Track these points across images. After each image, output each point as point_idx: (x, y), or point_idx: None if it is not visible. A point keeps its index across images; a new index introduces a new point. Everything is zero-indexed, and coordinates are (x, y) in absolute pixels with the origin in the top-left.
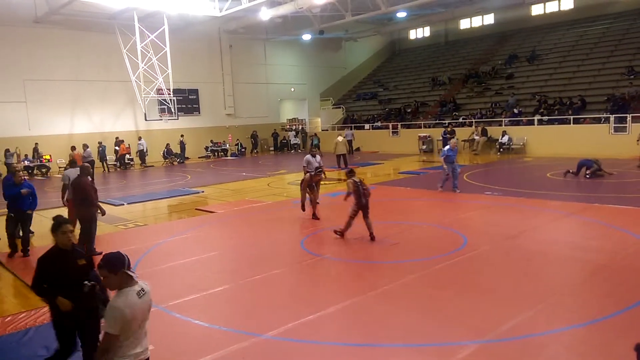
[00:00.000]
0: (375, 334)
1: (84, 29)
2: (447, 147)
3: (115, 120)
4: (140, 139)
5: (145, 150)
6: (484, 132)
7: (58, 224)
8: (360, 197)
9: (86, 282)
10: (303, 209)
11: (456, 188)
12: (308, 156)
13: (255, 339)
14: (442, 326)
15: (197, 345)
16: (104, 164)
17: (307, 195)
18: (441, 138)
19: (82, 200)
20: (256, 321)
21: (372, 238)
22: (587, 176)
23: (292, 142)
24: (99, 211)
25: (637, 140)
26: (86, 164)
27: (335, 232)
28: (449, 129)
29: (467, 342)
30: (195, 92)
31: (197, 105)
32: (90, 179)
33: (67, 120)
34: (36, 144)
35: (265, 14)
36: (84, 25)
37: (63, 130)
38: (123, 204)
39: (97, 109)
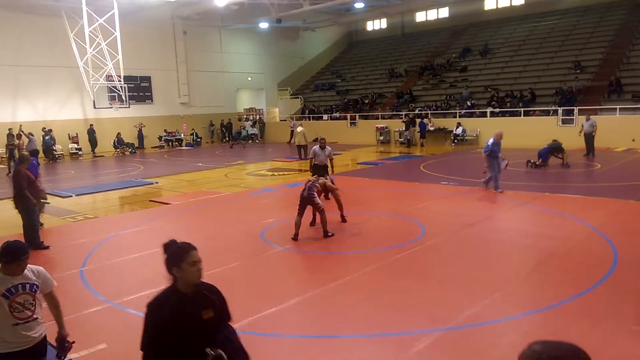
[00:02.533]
0: (336, 325)
1: (26, 12)
2: (491, 139)
3: (60, 108)
4: (46, 130)
5: (52, 142)
6: (412, 123)
7: (182, 250)
8: (302, 192)
9: (209, 350)
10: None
11: (498, 187)
12: (315, 147)
13: None
14: (402, 316)
15: None
16: (51, 153)
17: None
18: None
19: (20, 189)
20: None
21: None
22: (538, 164)
23: (249, 133)
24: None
25: (579, 132)
26: (26, 153)
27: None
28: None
29: (428, 331)
30: (147, 79)
31: (150, 93)
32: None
33: (8, 108)
34: (10, 129)
35: (221, 1)
36: (27, 7)
37: (5, 118)
38: (71, 196)
39: (41, 96)
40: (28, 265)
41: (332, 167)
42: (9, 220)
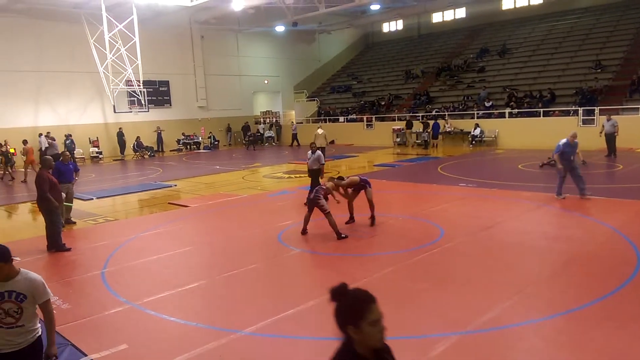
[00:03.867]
0: None
1: (48, 19)
2: (564, 140)
3: (82, 112)
4: (43, 135)
5: (72, 146)
6: (409, 126)
7: (359, 304)
8: (309, 194)
9: None
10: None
11: (584, 192)
12: (309, 152)
13: (233, 336)
14: (421, 318)
15: (173, 344)
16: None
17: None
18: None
19: (42, 192)
20: (234, 317)
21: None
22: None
23: (265, 135)
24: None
25: (600, 133)
26: (48, 157)
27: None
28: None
29: (447, 334)
30: (166, 83)
31: (168, 97)
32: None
33: (30, 113)
34: (48, 132)
35: (238, 5)
36: (48, 14)
37: (27, 123)
38: (92, 199)
39: (63, 101)
40: (27, 273)
41: (323, 171)
42: (29, 222)
